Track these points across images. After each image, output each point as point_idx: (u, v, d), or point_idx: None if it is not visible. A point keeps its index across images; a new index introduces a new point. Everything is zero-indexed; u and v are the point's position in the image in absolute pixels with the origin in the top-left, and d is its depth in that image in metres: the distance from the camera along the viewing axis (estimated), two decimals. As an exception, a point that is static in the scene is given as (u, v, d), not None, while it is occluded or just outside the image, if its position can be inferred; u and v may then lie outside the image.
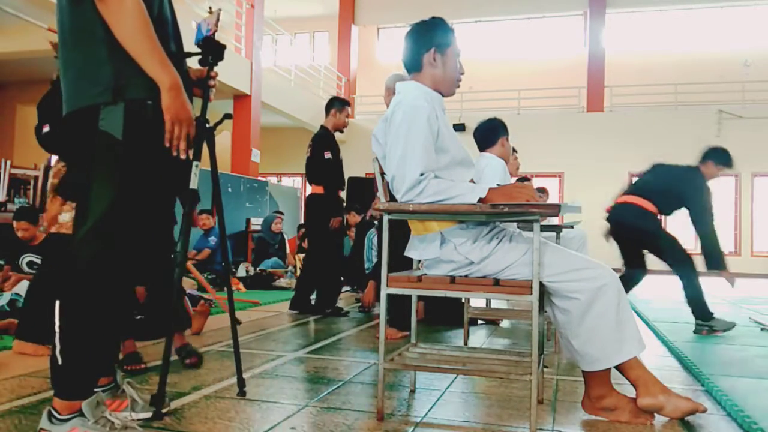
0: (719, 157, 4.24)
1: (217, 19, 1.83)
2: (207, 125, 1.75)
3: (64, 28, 1.62)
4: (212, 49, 1.74)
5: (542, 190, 6.81)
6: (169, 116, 1.58)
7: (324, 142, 4.76)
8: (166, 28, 1.69)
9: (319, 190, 4.78)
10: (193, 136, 1.64)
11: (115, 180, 1.58)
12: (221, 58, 1.84)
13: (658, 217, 4.18)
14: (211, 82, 1.91)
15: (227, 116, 1.97)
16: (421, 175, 1.94)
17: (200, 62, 1.79)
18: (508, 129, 3.70)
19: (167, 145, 1.60)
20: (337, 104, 4.82)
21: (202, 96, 1.87)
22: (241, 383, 2.21)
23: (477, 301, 4.66)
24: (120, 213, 1.59)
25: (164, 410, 1.93)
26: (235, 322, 2.16)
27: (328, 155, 4.70)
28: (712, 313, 3.97)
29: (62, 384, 1.60)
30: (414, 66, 2.18)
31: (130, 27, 1.52)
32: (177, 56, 1.73)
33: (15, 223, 5.15)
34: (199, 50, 1.87)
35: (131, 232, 1.62)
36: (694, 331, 3.97)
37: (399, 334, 3.67)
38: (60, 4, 1.64)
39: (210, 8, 1.88)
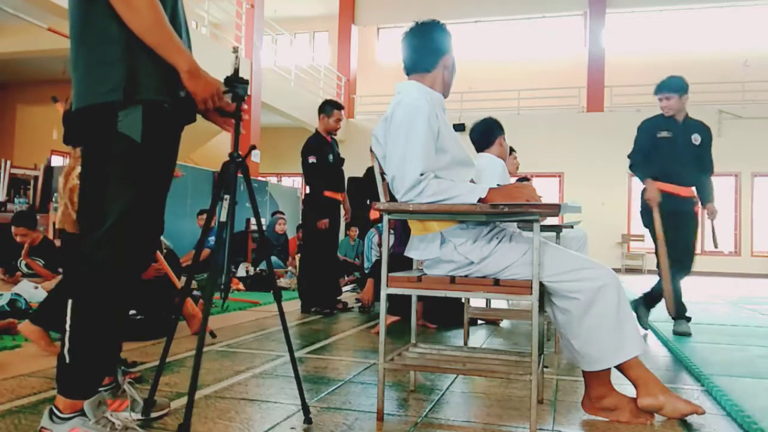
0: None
1: (236, 59, 1.86)
2: (239, 159, 1.79)
3: (76, 24, 1.62)
4: (240, 85, 1.76)
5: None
6: (198, 98, 1.63)
7: (309, 147, 4.90)
8: (180, 33, 1.70)
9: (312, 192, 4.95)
10: (222, 101, 1.70)
11: (133, 181, 1.59)
12: (246, 93, 1.85)
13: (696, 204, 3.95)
14: (244, 117, 1.92)
15: (253, 147, 2.01)
16: (421, 175, 1.94)
17: (232, 99, 1.79)
18: (503, 128, 3.71)
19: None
20: (327, 109, 4.95)
21: (233, 130, 1.87)
22: (306, 410, 1.91)
23: (477, 301, 4.66)
24: (136, 214, 1.60)
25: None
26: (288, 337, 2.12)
27: (312, 159, 4.82)
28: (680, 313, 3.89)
29: (67, 382, 1.60)
30: (426, 67, 2.17)
31: (146, 18, 1.53)
32: None
33: (13, 228, 5.12)
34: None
35: (145, 233, 1.63)
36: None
37: (390, 318, 3.85)
38: (72, 1, 1.64)
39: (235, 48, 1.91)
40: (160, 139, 1.64)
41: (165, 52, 1.58)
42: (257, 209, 1.90)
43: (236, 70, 1.75)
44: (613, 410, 2.02)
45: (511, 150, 4.73)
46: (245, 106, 1.84)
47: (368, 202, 6.28)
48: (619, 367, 1.98)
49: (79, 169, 2.65)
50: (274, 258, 7.84)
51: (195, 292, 4.24)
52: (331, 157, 4.88)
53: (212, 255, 1.75)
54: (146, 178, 1.61)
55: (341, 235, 6.62)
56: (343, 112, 5.02)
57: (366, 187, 5.96)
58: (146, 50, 1.58)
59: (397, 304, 3.69)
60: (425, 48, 2.18)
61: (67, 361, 1.58)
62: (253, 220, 9.07)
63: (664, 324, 4.33)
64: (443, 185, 1.95)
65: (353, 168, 5.37)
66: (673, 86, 3.90)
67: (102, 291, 1.58)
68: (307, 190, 5.04)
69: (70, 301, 1.59)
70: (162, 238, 3.63)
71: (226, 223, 1.75)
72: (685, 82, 3.93)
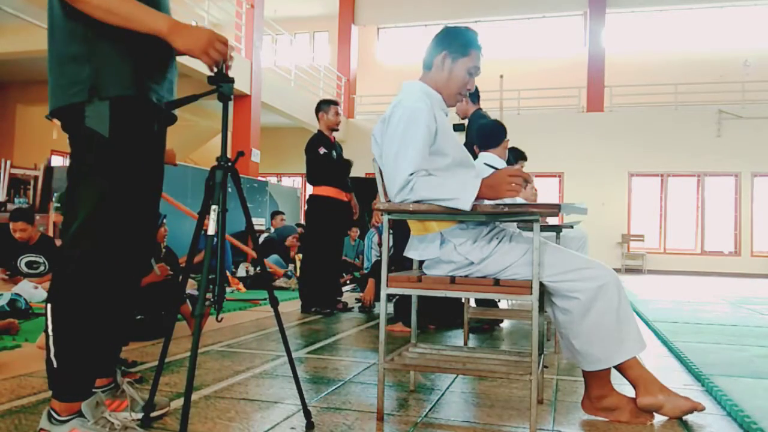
0: None
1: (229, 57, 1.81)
2: (227, 164, 1.76)
3: (51, 24, 1.62)
4: (224, 84, 1.71)
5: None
6: (196, 54, 1.56)
7: (311, 144, 4.91)
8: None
9: (319, 191, 4.90)
10: (225, 52, 1.62)
11: (103, 178, 1.58)
12: (232, 91, 1.81)
13: None
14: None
15: (241, 154, 1.99)
16: (411, 174, 1.93)
17: (218, 98, 1.75)
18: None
19: (215, 70, 1.61)
20: (322, 106, 4.98)
21: (221, 133, 1.85)
22: (308, 414, 1.89)
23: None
24: (108, 212, 1.58)
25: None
26: (286, 340, 2.07)
27: (323, 150, 4.83)
28: None
29: (59, 386, 1.59)
30: (426, 65, 2.20)
31: (101, 1, 1.50)
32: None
33: (12, 224, 5.06)
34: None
35: (120, 231, 1.61)
36: None
37: (401, 328, 3.81)
38: (49, 2, 1.63)
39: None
40: (133, 134, 1.61)
41: (138, 25, 1.53)
42: (249, 215, 1.88)
43: (220, 68, 1.72)
44: (613, 410, 2.02)
45: (521, 156, 4.66)
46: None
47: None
48: (618, 367, 1.98)
49: None
50: (276, 257, 7.83)
51: (194, 293, 4.23)
52: (334, 153, 4.90)
53: (203, 266, 1.68)
54: (119, 173, 1.59)
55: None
56: (339, 107, 5.04)
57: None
58: (113, 47, 1.56)
59: (408, 314, 3.67)
60: (430, 45, 2.20)
61: (55, 365, 1.57)
62: (253, 220, 9.07)
63: (664, 324, 4.33)
64: (434, 182, 1.93)
65: (354, 168, 5.36)
66: None
67: (78, 292, 1.56)
68: (309, 191, 5.05)
69: (49, 305, 1.58)
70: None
71: (215, 236, 1.70)
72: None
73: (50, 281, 1.64)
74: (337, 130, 5.01)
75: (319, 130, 4.99)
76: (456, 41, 2.15)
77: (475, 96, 4.02)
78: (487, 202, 1.91)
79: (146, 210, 1.73)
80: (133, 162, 1.62)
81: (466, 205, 1.85)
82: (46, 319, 1.58)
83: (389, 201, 2.10)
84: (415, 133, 1.98)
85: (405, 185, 1.94)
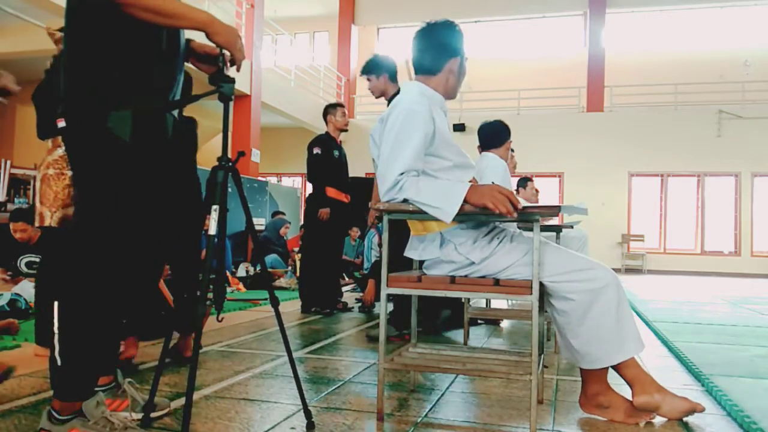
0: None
1: (222, 56, 1.81)
2: (228, 164, 1.76)
3: (71, 31, 1.62)
4: (225, 84, 1.72)
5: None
6: (231, 48, 1.65)
7: (314, 140, 4.96)
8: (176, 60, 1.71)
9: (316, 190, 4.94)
10: (243, 55, 1.71)
11: (117, 181, 1.59)
12: (232, 92, 1.82)
13: None
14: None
15: (242, 154, 1.98)
16: (401, 174, 1.93)
17: (218, 98, 1.75)
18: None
19: (230, 65, 1.71)
20: (330, 110, 5.03)
21: (222, 133, 1.86)
22: (308, 414, 1.90)
23: (477, 301, 4.66)
24: (120, 212, 1.59)
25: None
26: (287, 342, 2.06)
27: (317, 150, 4.87)
28: None
29: (61, 385, 1.59)
30: (432, 69, 2.13)
31: (151, 4, 1.54)
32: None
33: (12, 224, 5.06)
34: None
35: (131, 232, 1.62)
36: None
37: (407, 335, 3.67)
38: (68, 6, 1.64)
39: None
40: (151, 140, 1.63)
41: (183, 21, 1.59)
42: (250, 215, 1.88)
43: (220, 68, 1.72)
44: (608, 408, 2.02)
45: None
46: None
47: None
48: (615, 367, 1.99)
49: (48, 159, 2.63)
50: (275, 257, 7.82)
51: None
52: (336, 153, 4.92)
53: (202, 267, 1.67)
54: (133, 176, 1.60)
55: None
56: (344, 108, 5.08)
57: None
58: (140, 58, 1.58)
59: (397, 316, 3.62)
60: (431, 50, 2.13)
61: (59, 363, 1.57)
62: (254, 220, 9.07)
63: (664, 324, 4.33)
64: (423, 185, 1.90)
65: (352, 168, 5.37)
66: (363, 69, 4.08)
67: (86, 291, 1.57)
68: (310, 189, 5.05)
69: (56, 303, 1.59)
70: None
71: (216, 236, 1.70)
72: (373, 61, 4.07)
73: (56, 278, 1.65)
74: (346, 130, 5.04)
75: (326, 132, 5.02)
76: (461, 42, 2.15)
77: (394, 75, 4.02)
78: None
79: (158, 212, 1.73)
80: (149, 166, 1.65)
81: (448, 217, 1.83)
82: (52, 317, 1.58)
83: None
84: (410, 134, 1.97)
85: (394, 185, 1.93)
